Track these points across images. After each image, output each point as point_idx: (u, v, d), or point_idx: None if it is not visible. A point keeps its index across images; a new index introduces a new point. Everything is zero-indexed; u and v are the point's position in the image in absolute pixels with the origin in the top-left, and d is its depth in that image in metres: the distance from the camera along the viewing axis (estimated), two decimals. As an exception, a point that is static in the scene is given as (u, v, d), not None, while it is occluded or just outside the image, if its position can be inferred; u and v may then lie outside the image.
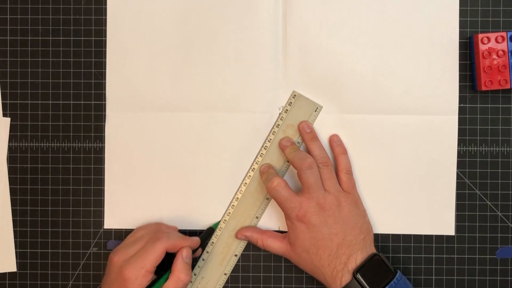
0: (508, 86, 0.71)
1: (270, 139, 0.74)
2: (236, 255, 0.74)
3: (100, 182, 0.75)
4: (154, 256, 0.64)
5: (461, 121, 0.74)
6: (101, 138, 0.75)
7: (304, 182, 0.69)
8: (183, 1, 0.74)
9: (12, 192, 0.75)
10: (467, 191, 0.74)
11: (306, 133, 0.73)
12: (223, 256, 0.74)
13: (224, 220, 0.74)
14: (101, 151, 0.75)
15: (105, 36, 0.75)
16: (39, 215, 0.75)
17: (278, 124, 0.74)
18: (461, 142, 0.74)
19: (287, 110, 0.74)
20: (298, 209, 0.68)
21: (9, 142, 0.75)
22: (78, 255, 0.75)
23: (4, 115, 0.75)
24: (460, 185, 0.74)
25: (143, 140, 0.75)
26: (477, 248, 0.74)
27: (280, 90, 0.74)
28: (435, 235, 0.74)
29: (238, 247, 0.74)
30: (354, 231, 0.69)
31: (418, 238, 0.74)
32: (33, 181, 0.75)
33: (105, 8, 0.75)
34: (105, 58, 0.75)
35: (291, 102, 0.74)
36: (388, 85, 0.74)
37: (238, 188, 0.74)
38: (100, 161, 0.75)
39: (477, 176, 0.74)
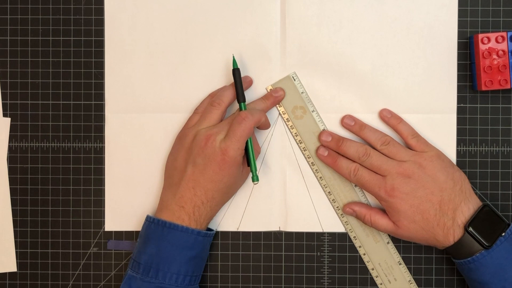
0: (508, 86, 0.71)
1: (296, 133, 0.74)
2: (388, 243, 0.74)
3: (100, 182, 0.75)
4: (246, 136, 0.68)
5: (461, 121, 0.74)
6: (101, 138, 0.75)
7: (371, 168, 0.70)
8: (181, 1, 0.74)
9: (12, 192, 0.75)
10: (467, 191, 0.74)
11: (352, 126, 0.73)
12: (382, 254, 0.74)
13: (343, 218, 0.74)
14: (101, 151, 0.75)
15: (105, 37, 0.75)
16: (39, 215, 0.75)
17: (288, 118, 0.74)
18: (461, 142, 0.74)
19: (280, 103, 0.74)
20: (384, 185, 0.68)
21: (9, 142, 0.75)
22: (78, 255, 0.75)
23: (4, 115, 0.75)
24: (460, 185, 0.74)
25: (142, 141, 0.75)
26: (477, 248, 0.74)
27: (280, 90, 0.74)
28: (435, 235, 0.74)
29: (380, 233, 0.74)
30: (448, 184, 0.68)
31: (418, 238, 0.74)
32: (33, 181, 0.75)
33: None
34: (104, 59, 0.75)
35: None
36: (387, 84, 0.74)
37: (325, 187, 0.74)
38: (100, 161, 0.75)
39: (477, 176, 0.74)
